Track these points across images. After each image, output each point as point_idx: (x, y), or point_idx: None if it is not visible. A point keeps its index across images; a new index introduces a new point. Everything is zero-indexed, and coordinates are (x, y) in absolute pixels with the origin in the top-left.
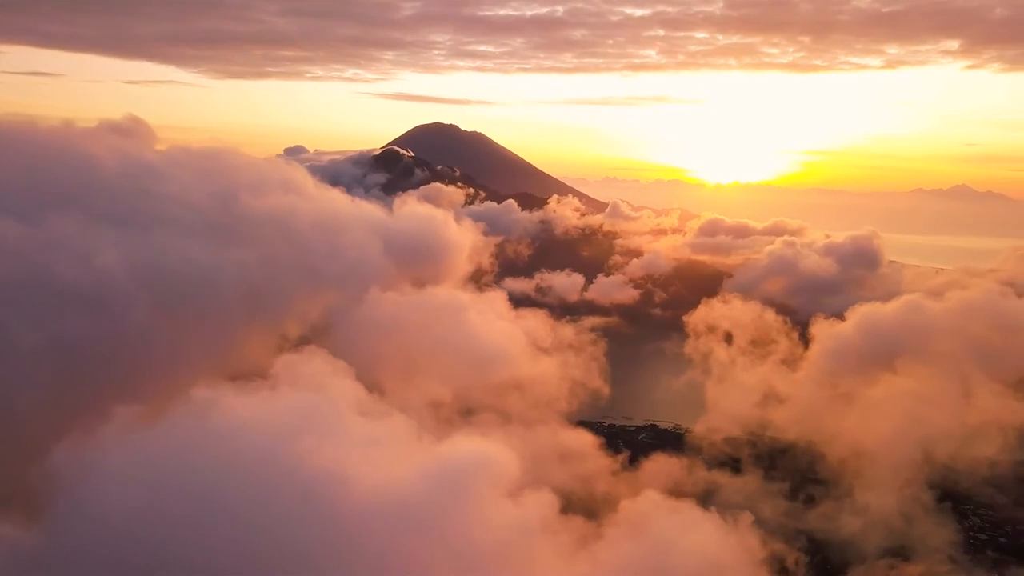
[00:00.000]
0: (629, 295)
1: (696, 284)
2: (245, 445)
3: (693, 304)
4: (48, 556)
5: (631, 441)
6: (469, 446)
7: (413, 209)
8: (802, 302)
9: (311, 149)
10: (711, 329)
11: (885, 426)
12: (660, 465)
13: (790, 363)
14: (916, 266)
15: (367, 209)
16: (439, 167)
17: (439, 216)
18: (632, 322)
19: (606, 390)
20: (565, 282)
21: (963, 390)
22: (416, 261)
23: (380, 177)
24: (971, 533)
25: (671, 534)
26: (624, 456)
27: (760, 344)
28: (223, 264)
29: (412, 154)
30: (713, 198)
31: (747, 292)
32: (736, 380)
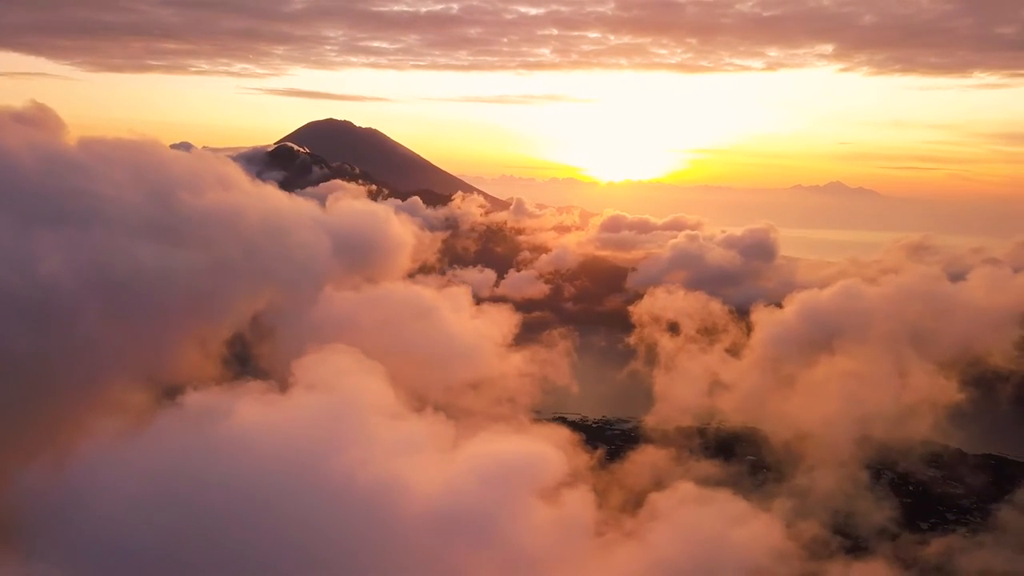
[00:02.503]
0: (540, 290)
1: (601, 278)
2: (267, 452)
3: (600, 298)
4: None
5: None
6: (511, 445)
7: (351, 205)
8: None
9: (198, 146)
10: (655, 320)
11: (826, 407)
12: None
13: (733, 352)
14: (804, 259)
15: (308, 206)
16: (334, 164)
17: (381, 212)
18: (557, 317)
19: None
20: (477, 278)
21: (898, 371)
22: (362, 258)
23: (277, 175)
24: (907, 509)
25: (716, 526)
26: (602, 451)
27: (706, 334)
28: (172, 267)
29: (308, 151)
30: (606, 196)
31: (650, 285)
32: (675, 370)
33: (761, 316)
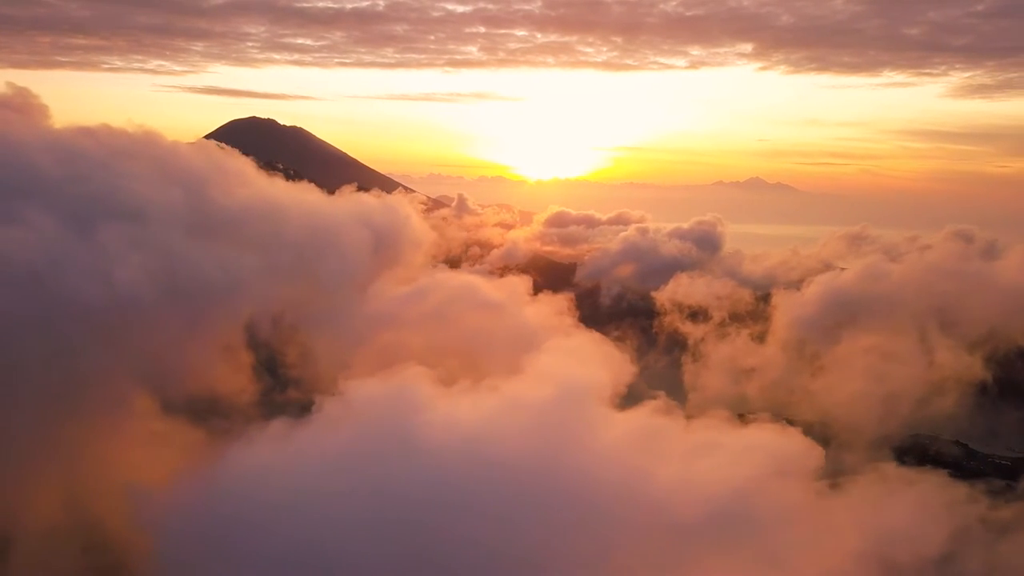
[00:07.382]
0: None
1: (551, 273)
2: (485, 447)
3: (552, 292)
4: None
5: None
6: (761, 436)
7: (360, 200)
8: (653, 286)
9: None
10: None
11: (851, 389)
12: None
13: (759, 338)
14: (743, 252)
15: (325, 199)
16: (263, 162)
17: (398, 206)
18: None
19: None
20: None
21: (923, 350)
22: (387, 254)
23: None
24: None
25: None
26: None
27: (736, 321)
28: (229, 269)
29: (237, 149)
30: (536, 194)
31: (599, 278)
32: (698, 358)
33: (782, 299)
